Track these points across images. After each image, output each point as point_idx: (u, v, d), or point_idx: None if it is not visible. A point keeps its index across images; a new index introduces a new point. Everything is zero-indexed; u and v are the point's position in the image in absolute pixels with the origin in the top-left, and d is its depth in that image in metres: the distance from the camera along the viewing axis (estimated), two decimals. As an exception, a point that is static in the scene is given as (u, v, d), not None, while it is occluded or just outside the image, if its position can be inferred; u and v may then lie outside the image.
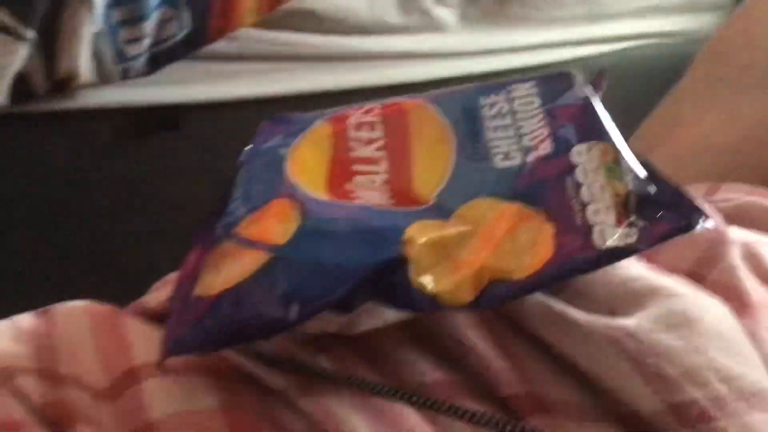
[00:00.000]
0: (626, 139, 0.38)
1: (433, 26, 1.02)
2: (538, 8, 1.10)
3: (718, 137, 0.69)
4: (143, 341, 0.34)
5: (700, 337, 0.33)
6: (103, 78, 0.79)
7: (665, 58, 1.23)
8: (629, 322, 0.33)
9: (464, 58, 1.07)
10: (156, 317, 0.37)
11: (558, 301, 0.34)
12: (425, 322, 0.34)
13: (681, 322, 0.33)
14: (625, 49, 1.22)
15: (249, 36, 0.87)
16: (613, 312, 0.34)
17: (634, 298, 0.34)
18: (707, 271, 0.41)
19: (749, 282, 0.40)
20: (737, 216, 0.52)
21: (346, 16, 0.93)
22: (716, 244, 0.42)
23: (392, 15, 0.97)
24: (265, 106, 0.91)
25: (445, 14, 1.02)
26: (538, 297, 0.34)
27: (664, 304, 0.34)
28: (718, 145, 0.69)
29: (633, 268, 0.36)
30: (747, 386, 0.32)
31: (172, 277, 0.42)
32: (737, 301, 0.38)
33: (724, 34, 0.76)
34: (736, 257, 0.42)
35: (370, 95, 0.98)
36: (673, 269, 0.40)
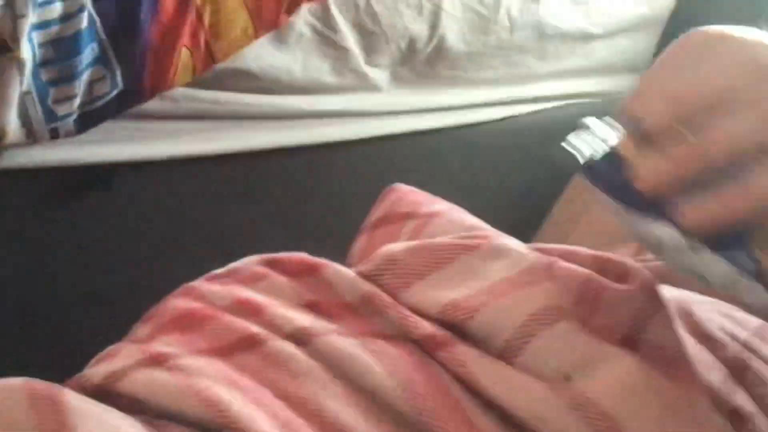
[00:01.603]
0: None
1: (366, 86, 1.03)
2: (466, 70, 1.13)
3: None
4: (86, 422, 0.33)
5: (643, 405, 0.34)
6: (31, 137, 0.77)
7: (588, 116, 1.28)
8: (588, 388, 0.33)
9: (396, 116, 1.08)
10: (99, 393, 0.36)
11: (513, 369, 0.35)
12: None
13: (630, 388, 0.34)
14: (548, 109, 1.26)
15: (184, 95, 0.87)
16: (569, 377, 0.35)
17: (590, 362, 0.35)
18: (646, 322, 0.42)
19: (686, 341, 0.41)
20: (668, 275, 0.54)
21: (280, 76, 0.93)
22: (650, 303, 0.43)
23: (326, 75, 0.98)
24: (200, 165, 0.90)
25: (377, 74, 1.03)
26: (499, 367, 0.35)
27: (616, 369, 0.35)
28: None
29: (579, 333, 0.37)
30: None
31: (115, 348, 0.41)
32: (671, 364, 0.39)
33: (634, 98, 0.77)
34: (671, 315, 0.43)
35: (304, 153, 0.99)
36: (609, 335, 0.41)
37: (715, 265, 0.36)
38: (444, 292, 0.39)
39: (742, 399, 0.42)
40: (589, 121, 0.41)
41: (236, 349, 0.36)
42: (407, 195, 0.48)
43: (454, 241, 0.41)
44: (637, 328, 0.42)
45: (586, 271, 0.46)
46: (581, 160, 0.39)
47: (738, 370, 0.45)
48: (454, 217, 0.45)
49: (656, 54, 1.37)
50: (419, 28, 1.02)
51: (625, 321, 0.42)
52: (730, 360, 0.45)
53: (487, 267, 0.40)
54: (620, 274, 0.48)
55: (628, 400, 0.33)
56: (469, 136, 1.16)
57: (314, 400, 0.33)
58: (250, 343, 0.36)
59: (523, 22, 1.11)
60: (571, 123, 1.37)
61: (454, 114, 1.15)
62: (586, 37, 1.22)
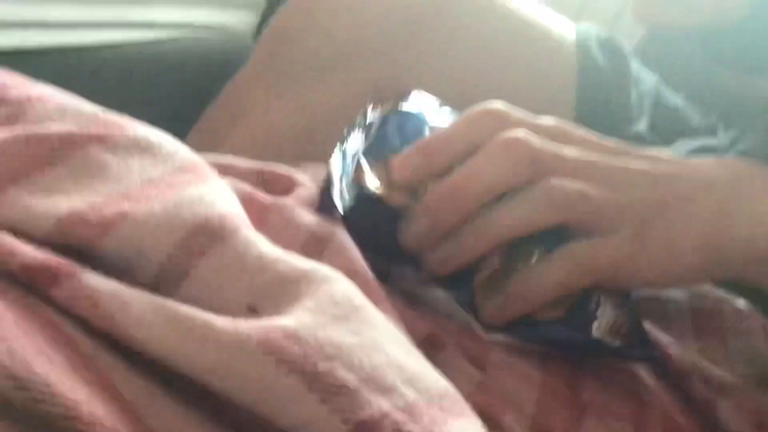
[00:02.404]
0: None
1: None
2: (65, -20, 0.95)
3: (289, 124, 0.67)
4: None
5: (372, 329, 0.25)
6: None
7: (202, 51, 1.18)
8: (286, 319, 0.23)
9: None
10: None
11: (178, 303, 0.23)
12: None
13: (348, 312, 0.25)
14: (163, 40, 1.13)
15: None
16: (255, 309, 0.25)
17: (282, 286, 0.25)
18: (320, 250, 0.34)
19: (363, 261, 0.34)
20: None
21: None
22: (325, 222, 0.36)
23: None
24: None
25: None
26: (152, 301, 0.23)
27: (323, 290, 0.25)
28: (289, 131, 0.67)
29: (265, 245, 0.27)
30: (432, 387, 0.25)
31: None
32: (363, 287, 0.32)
33: (284, 19, 0.72)
34: (346, 234, 0.36)
35: None
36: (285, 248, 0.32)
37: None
38: (58, 201, 0.25)
39: (433, 326, 0.36)
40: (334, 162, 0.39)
41: None
42: None
43: (69, 129, 0.28)
44: (313, 249, 0.34)
45: (246, 186, 0.37)
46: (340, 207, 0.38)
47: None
48: (67, 102, 0.31)
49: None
50: None
51: (297, 241, 0.34)
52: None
53: (125, 165, 0.27)
54: (286, 187, 0.39)
55: (340, 328, 0.24)
56: (70, 61, 0.98)
57: None
58: None
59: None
60: (185, 55, 1.25)
61: (53, 33, 0.96)
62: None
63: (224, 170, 0.38)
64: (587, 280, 0.39)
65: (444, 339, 0.36)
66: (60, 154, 0.27)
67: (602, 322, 0.39)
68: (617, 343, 0.39)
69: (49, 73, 0.95)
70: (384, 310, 0.30)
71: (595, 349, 0.40)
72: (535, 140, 0.39)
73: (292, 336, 0.23)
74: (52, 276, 0.23)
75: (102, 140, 0.28)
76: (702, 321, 0.45)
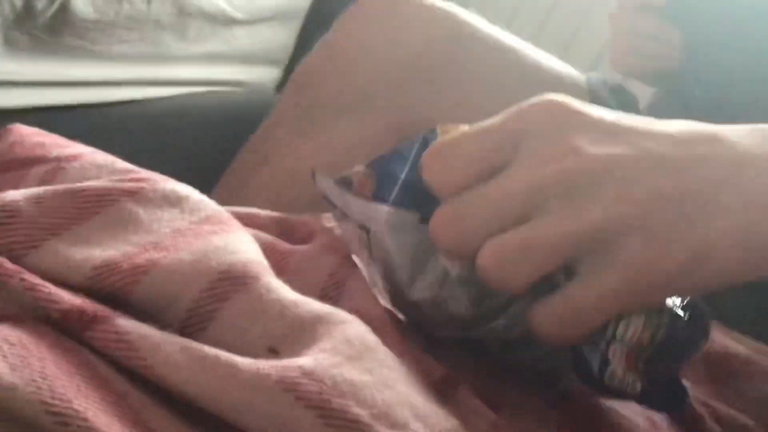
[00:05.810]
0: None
1: (-33, 48, 0.84)
2: (96, 42, 0.98)
3: (311, 162, 0.69)
4: None
5: (385, 368, 0.26)
6: None
7: (227, 105, 1.22)
8: (303, 359, 0.25)
9: (8, 88, 0.90)
10: None
11: (204, 345, 0.25)
12: None
13: (361, 352, 0.26)
14: (188, 94, 1.17)
15: None
16: (275, 350, 0.26)
17: (300, 328, 0.27)
18: (338, 293, 0.36)
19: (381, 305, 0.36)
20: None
21: None
22: (342, 267, 0.37)
23: None
24: None
25: (-19, 36, 0.85)
26: (181, 343, 0.25)
27: (338, 332, 0.27)
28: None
29: (284, 290, 0.29)
30: (442, 424, 0.26)
31: None
32: (377, 330, 0.34)
33: (310, 63, 0.76)
34: (362, 278, 0.37)
35: None
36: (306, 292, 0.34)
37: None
38: (93, 251, 0.27)
39: (448, 367, 0.38)
40: None
41: None
42: (30, 137, 0.36)
43: (104, 184, 0.30)
44: (330, 293, 0.35)
45: (269, 236, 0.39)
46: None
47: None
48: (101, 159, 0.33)
49: (296, 47, 1.36)
50: (36, -15, 0.85)
51: (317, 285, 0.36)
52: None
53: (154, 216, 0.29)
54: (305, 235, 0.41)
55: (355, 367, 0.25)
56: (98, 117, 1.02)
57: None
58: None
59: (161, -6, 1.00)
60: (210, 110, 1.28)
61: (81, 90, 1.00)
62: (228, 22, 1.15)
63: (247, 220, 0.40)
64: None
65: (459, 380, 0.37)
66: (95, 208, 0.29)
67: (618, 356, 0.33)
68: (630, 388, 0.34)
69: (76, 128, 0.99)
70: (398, 352, 0.31)
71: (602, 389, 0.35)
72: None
73: (309, 374, 0.24)
74: (88, 320, 0.25)
75: (134, 194, 0.30)
76: (712, 365, 0.46)
